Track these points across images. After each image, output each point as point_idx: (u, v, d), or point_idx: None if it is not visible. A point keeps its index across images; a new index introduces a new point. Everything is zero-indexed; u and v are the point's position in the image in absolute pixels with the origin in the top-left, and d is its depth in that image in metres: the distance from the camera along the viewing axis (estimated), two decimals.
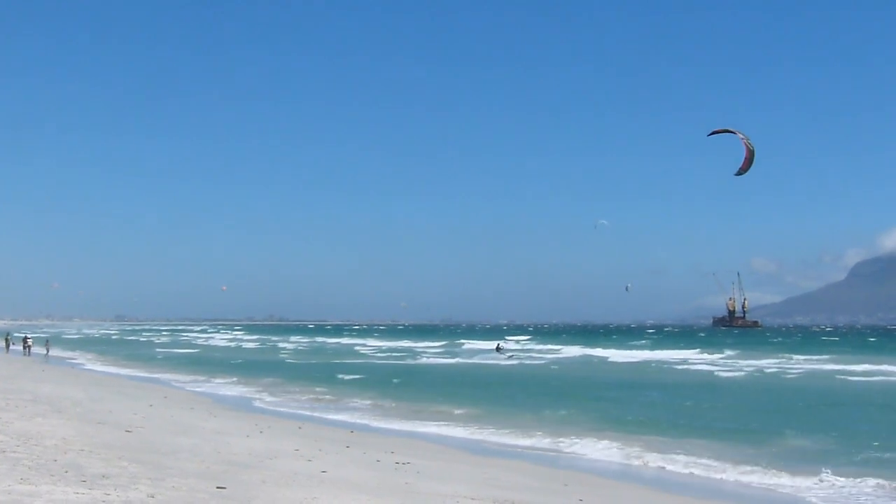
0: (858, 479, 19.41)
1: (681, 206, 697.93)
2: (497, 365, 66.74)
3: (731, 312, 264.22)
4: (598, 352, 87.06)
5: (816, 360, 70.52)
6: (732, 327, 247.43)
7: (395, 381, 47.87)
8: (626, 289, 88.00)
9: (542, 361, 72.98)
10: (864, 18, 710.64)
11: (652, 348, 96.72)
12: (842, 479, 19.53)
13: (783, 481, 19.64)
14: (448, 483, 17.14)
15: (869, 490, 18.64)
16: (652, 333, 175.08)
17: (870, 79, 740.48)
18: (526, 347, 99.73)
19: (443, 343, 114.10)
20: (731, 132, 19.59)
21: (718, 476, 20.33)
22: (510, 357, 77.30)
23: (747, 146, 19.31)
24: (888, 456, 22.45)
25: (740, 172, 19.67)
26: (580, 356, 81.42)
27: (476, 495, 15.85)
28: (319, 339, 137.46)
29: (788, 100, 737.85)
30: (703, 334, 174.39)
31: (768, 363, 66.61)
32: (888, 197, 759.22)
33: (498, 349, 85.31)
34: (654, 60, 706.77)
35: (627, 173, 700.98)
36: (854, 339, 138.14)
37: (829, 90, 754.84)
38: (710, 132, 19.82)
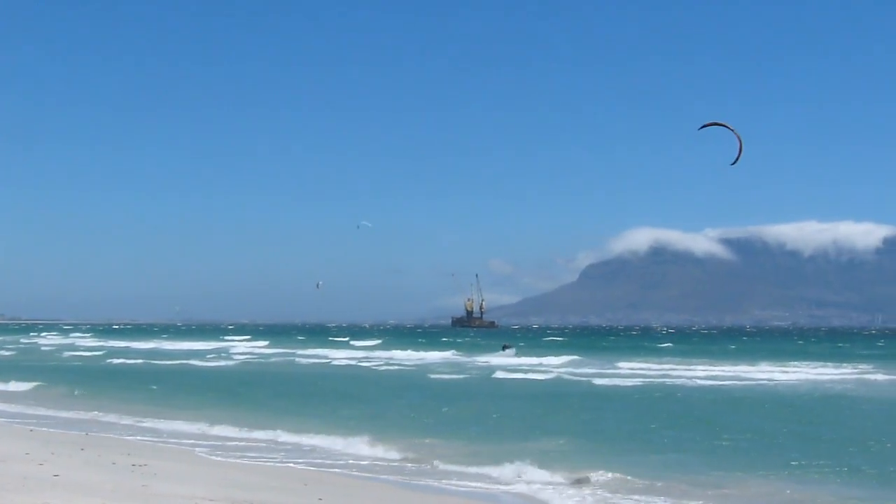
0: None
1: (422, 206, 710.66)
2: (200, 366, 65.73)
3: (470, 313, 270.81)
4: (329, 352, 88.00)
5: (557, 363, 72.52)
6: (470, 327, 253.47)
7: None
8: (317, 286, 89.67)
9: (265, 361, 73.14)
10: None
11: (380, 348, 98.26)
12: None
13: (520, 489, 20.22)
14: (185, 484, 16.98)
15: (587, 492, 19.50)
16: (383, 333, 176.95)
17: (603, 84, 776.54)
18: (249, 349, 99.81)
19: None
20: (723, 125, 20.28)
21: (458, 482, 20.83)
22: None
23: (738, 137, 20.04)
24: (625, 453, 23.59)
25: (735, 162, 20.45)
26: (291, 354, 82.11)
27: (213, 496, 15.78)
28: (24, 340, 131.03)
29: (539, 101, 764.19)
30: (438, 333, 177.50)
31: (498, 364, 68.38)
32: (617, 202, 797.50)
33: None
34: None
35: (365, 173, 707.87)
36: (585, 339, 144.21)
37: (586, 94, 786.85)
38: (701, 126, 20.43)
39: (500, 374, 53.96)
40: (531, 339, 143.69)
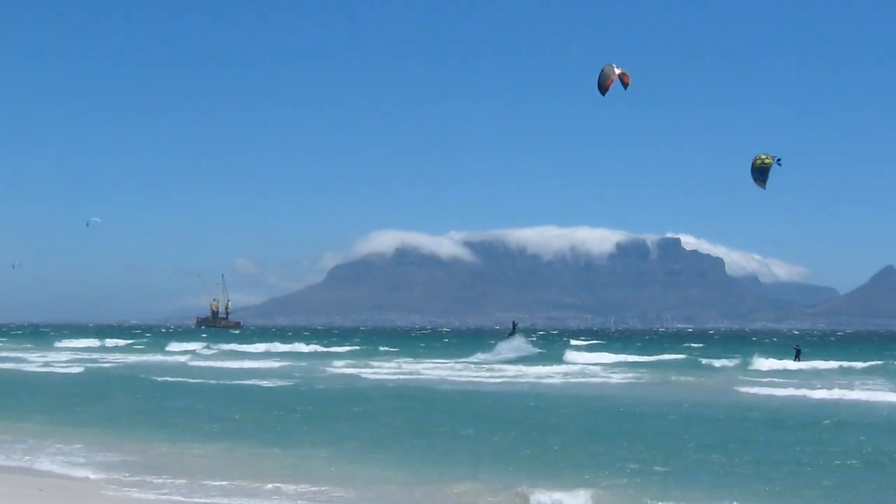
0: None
1: (162, 203, 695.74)
2: None
3: (215, 313, 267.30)
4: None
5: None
6: (215, 328, 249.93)
7: None
8: (13, 266, 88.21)
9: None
10: None
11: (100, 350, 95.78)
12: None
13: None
14: None
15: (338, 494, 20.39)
16: (103, 332, 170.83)
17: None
18: None
19: None
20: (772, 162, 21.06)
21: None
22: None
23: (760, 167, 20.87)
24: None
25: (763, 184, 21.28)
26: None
27: None
28: None
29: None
30: (178, 335, 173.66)
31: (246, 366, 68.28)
32: (362, 204, 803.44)
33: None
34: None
35: (114, 169, 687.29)
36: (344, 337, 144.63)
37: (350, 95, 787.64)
38: (756, 177, 21.10)
39: (241, 381, 53.25)
40: (273, 338, 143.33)
